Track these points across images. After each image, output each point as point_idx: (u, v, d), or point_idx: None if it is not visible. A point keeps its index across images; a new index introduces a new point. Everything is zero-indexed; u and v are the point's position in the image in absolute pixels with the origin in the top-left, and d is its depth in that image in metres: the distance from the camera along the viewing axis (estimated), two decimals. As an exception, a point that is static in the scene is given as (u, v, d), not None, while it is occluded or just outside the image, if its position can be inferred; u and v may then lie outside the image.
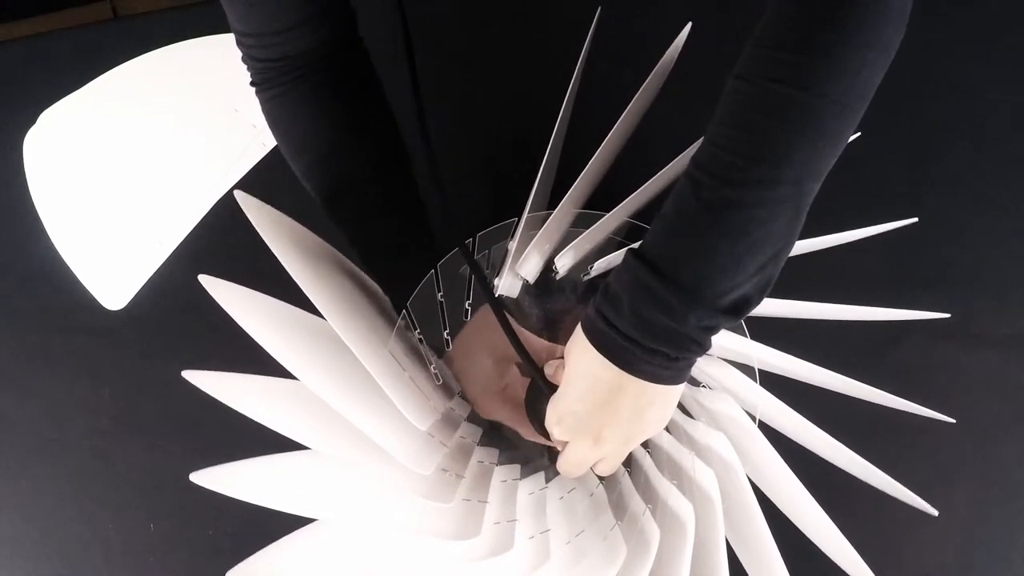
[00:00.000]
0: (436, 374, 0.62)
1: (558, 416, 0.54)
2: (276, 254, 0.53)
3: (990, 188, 0.79)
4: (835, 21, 0.44)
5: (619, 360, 0.49)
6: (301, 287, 0.52)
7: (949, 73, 0.81)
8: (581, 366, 0.51)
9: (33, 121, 0.86)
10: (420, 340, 0.63)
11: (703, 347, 0.49)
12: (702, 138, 0.48)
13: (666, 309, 0.46)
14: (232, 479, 0.56)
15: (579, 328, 0.52)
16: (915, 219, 0.68)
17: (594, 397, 0.51)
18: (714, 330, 0.49)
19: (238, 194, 0.55)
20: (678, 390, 0.52)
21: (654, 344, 0.48)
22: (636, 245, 0.49)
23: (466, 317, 0.64)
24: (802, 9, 0.45)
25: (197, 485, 0.54)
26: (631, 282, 0.48)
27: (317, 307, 0.52)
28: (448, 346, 0.64)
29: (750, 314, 0.62)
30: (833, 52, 0.44)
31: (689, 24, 0.61)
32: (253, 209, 0.56)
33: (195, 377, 0.54)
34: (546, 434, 0.58)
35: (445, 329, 0.63)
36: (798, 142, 0.44)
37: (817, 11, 0.44)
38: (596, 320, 0.50)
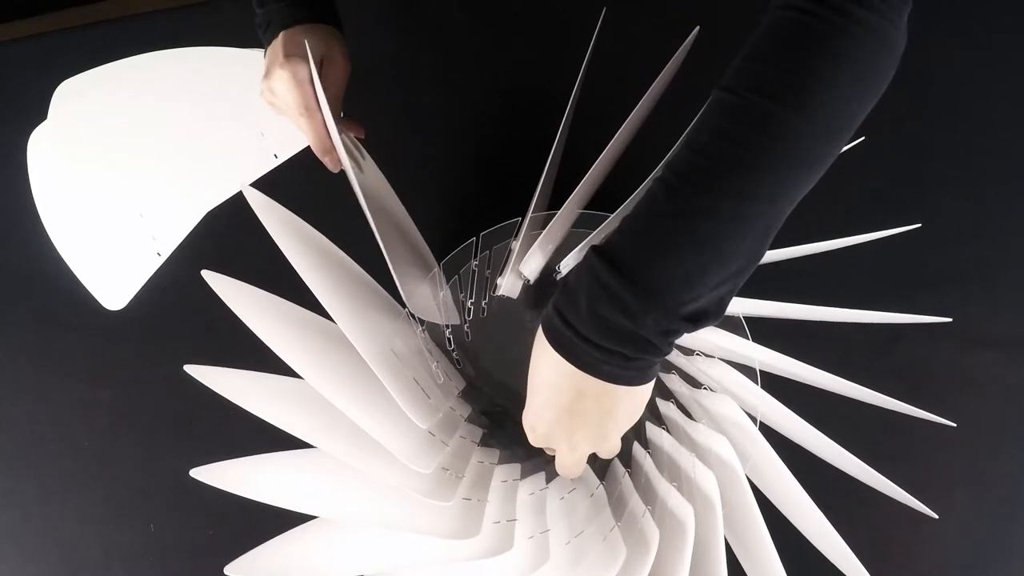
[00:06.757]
0: (438, 373, 0.63)
1: (530, 425, 0.52)
2: (282, 249, 0.53)
3: (989, 190, 0.80)
4: (826, 46, 0.43)
5: (577, 360, 0.47)
6: (306, 282, 0.52)
7: (949, 75, 0.81)
8: (544, 369, 0.49)
9: (36, 121, 0.86)
10: (423, 336, 0.63)
11: (662, 351, 0.47)
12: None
13: (622, 309, 0.44)
14: (232, 475, 0.55)
15: (540, 329, 0.50)
16: (918, 224, 0.68)
17: (559, 401, 0.49)
18: (674, 335, 0.46)
19: (246, 190, 0.55)
20: (646, 387, 0.49)
21: (610, 344, 0.45)
22: (599, 242, 0.47)
23: (468, 315, 0.64)
24: (795, 30, 0.44)
25: (197, 485, 0.54)
26: (589, 280, 0.45)
27: (322, 303, 0.52)
28: (450, 344, 0.64)
29: (752, 315, 0.62)
30: (823, 74, 0.43)
31: (697, 28, 0.61)
32: (261, 206, 0.56)
33: (197, 372, 0.54)
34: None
35: (447, 327, 0.63)
36: (778, 159, 0.43)
37: (809, 34, 0.43)
38: (554, 318, 0.48)
